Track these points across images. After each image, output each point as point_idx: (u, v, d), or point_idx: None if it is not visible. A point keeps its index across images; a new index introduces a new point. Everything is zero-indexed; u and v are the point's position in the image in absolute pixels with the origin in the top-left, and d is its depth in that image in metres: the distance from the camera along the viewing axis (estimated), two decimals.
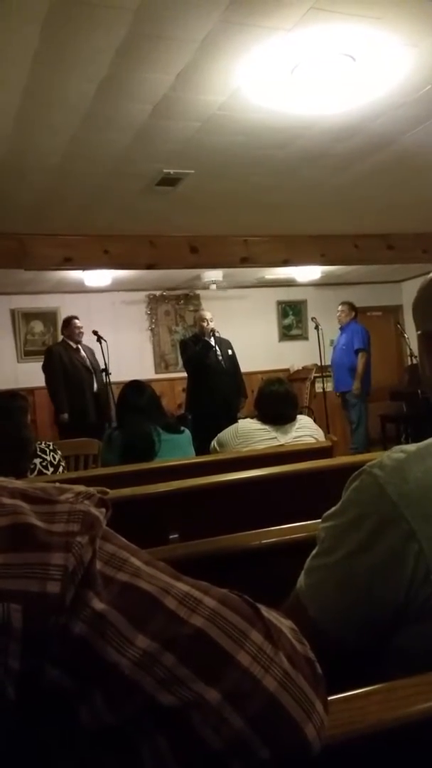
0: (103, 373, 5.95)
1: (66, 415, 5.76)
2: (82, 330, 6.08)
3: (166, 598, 0.51)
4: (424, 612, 0.77)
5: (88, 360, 6.06)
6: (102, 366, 5.98)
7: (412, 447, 0.84)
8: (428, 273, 0.96)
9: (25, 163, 3.88)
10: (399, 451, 0.84)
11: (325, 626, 0.81)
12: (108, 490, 1.65)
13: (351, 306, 7.04)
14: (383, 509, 0.79)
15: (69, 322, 6.14)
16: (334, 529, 0.84)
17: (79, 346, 6.08)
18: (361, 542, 0.80)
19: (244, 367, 6.46)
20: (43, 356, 6.20)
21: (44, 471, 2.69)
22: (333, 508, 0.87)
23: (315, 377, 7.84)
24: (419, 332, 0.96)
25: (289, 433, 2.92)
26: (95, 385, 5.99)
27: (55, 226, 5.29)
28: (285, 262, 6.51)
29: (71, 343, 6.06)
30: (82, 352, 6.07)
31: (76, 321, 6.12)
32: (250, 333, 8.11)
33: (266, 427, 2.92)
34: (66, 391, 5.80)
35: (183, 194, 4.69)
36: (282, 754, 0.50)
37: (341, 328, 7.06)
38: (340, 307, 7.09)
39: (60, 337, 6.45)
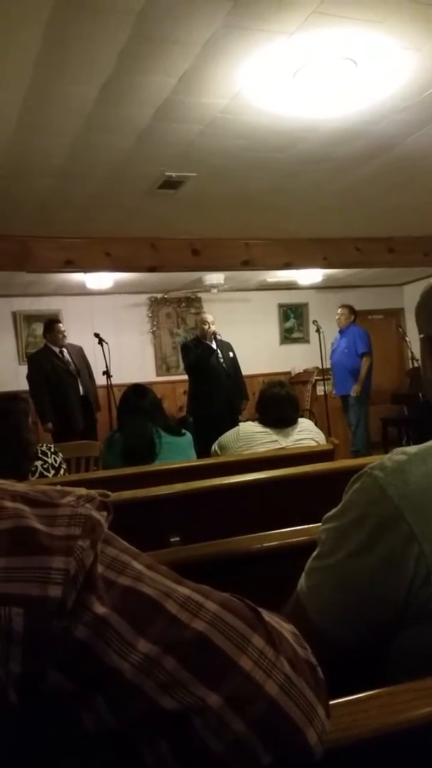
0: (103, 374, 5.95)
1: (50, 425, 5.74)
2: (65, 333, 6.06)
3: (168, 602, 0.51)
4: (425, 613, 0.77)
5: (72, 363, 6.01)
6: (90, 364, 5.98)
7: (413, 449, 0.84)
8: (431, 277, 0.96)
9: (28, 165, 3.89)
10: (400, 453, 0.84)
11: (325, 627, 0.81)
12: (109, 492, 1.64)
13: (351, 309, 7.04)
14: (384, 510, 0.79)
15: (52, 326, 6.09)
16: (335, 531, 0.84)
17: (63, 350, 6.04)
18: (361, 543, 0.80)
19: (246, 370, 6.45)
20: None
21: (45, 473, 2.69)
22: (334, 510, 0.87)
23: (316, 380, 7.85)
24: (422, 336, 0.96)
25: (290, 436, 2.92)
26: (80, 389, 5.96)
27: (57, 228, 5.30)
28: (286, 265, 6.51)
29: (54, 348, 6.01)
30: (66, 356, 6.02)
31: (59, 325, 6.11)
32: (251, 336, 8.12)
33: (267, 430, 2.92)
34: (50, 398, 5.77)
35: (185, 197, 4.70)
36: (284, 758, 0.50)
37: (340, 331, 7.07)
38: (339, 310, 7.09)
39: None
